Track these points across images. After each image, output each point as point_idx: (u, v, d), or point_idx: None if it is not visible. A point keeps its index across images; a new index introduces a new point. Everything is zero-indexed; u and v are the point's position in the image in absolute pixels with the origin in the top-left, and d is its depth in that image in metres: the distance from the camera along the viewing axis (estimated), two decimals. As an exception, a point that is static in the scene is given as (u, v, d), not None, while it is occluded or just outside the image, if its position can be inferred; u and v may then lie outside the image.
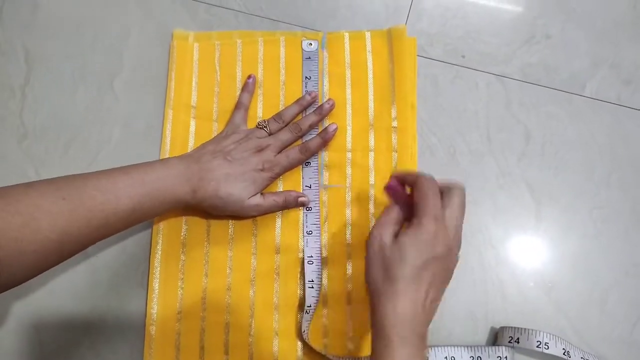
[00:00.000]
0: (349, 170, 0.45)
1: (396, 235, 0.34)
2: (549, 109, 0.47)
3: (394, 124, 0.45)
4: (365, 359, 0.41)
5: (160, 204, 0.37)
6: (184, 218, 0.43)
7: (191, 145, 0.45)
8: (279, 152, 0.43)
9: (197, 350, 0.41)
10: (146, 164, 0.38)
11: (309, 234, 0.43)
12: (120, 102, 0.47)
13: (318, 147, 0.44)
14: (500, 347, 0.40)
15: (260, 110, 0.46)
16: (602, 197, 0.45)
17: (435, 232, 0.33)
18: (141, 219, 0.38)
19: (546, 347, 0.39)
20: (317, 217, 0.43)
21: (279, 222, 0.44)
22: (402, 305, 0.31)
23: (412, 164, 0.45)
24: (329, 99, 0.45)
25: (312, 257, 0.42)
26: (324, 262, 0.42)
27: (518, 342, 0.40)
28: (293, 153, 0.43)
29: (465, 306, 0.43)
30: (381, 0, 0.50)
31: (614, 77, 0.48)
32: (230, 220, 0.44)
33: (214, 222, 0.44)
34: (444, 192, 0.35)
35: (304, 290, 0.42)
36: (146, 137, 0.46)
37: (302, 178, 0.44)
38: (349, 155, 0.45)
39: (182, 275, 0.42)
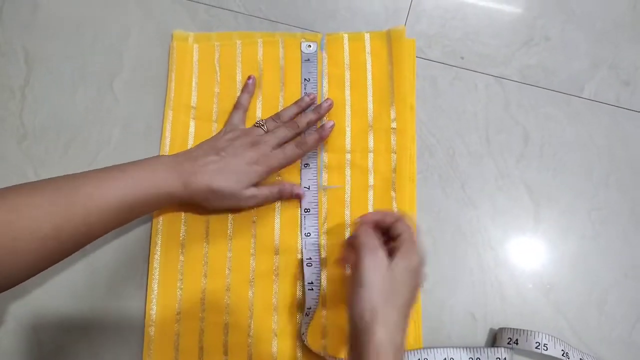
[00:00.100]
0: (348, 171, 0.45)
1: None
2: (548, 110, 0.47)
3: (393, 125, 0.45)
4: None
5: (153, 198, 0.37)
6: (183, 219, 0.44)
7: (191, 145, 0.45)
8: (276, 148, 0.42)
9: (196, 350, 0.41)
10: (140, 160, 0.39)
11: (307, 236, 0.43)
12: (120, 103, 0.47)
13: (315, 143, 0.43)
14: (499, 349, 0.40)
15: (259, 111, 0.46)
16: (600, 198, 0.45)
17: (420, 260, 0.35)
18: (136, 214, 0.38)
19: (545, 348, 0.39)
20: (316, 219, 0.43)
21: (277, 222, 0.44)
22: (398, 335, 0.32)
23: (411, 165, 0.45)
24: (327, 99, 0.45)
25: (310, 259, 0.42)
26: (322, 263, 0.42)
27: (517, 344, 0.40)
28: (289, 147, 0.42)
29: (465, 307, 0.43)
30: (380, 1, 0.50)
31: (612, 79, 0.48)
32: (230, 221, 0.44)
33: (213, 223, 0.44)
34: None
35: (303, 291, 0.42)
36: (146, 137, 0.46)
37: (301, 179, 0.44)
38: (348, 156, 0.45)
39: (181, 276, 0.42)
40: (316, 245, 0.43)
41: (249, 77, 0.46)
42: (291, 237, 0.43)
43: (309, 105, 0.45)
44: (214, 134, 0.45)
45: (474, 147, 0.46)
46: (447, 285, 0.43)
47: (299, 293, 0.42)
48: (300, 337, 0.41)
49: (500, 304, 0.43)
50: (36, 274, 0.34)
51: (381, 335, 0.31)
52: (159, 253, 0.43)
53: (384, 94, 0.46)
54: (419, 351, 0.40)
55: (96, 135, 0.46)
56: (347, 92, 0.47)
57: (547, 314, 0.43)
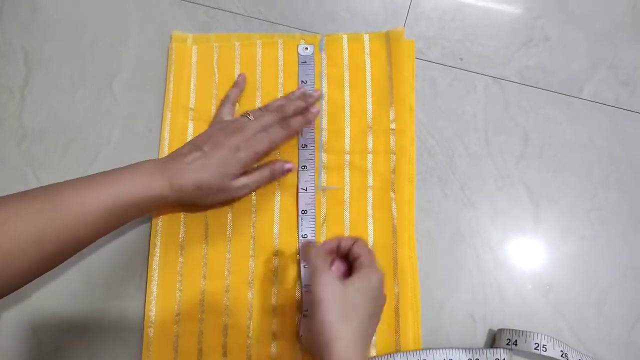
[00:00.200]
0: (347, 172, 0.45)
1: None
2: (547, 111, 0.47)
3: (392, 126, 0.45)
4: None
5: (141, 203, 0.37)
6: (182, 220, 0.44)
7: (189, 147, 0.45)
8: (260, 131, 0.40)
9: (195, 352, 0.41)
10: (124, 167, 0.38)
11: (304, 237, 0.43)
12: (119, 104, 0.47)
13: (299, 125, 0.42)
14: (498, 350, 0.40)
15: (258, 113, 0.46)
16: (600, 199, 0.45)
17: (379, 279, 0.36)
18: (124, 220, 0.37)
19: (544, 349, 0.39)
20: (313, 220, 0.43)
21: (276, 224, 0.44)
22: (357, 352, 0.32)
23: (411, 166, 0.45)
24: (316, 90, 0.45)
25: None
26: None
27: (516, 345, 0.40)
28: (273, 129, 0.41)
29: (464, 308, 0.43)
30: (380, 2, 0.50)
31: (612, 79, 0.48)
32: (229, 223, 0.44)
33: (212, 224, 0.44)
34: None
35: (302, 292, 0.42)
36: (145, 138, 0.46)
37: (298, 181, 0.44)
38: (347, 157, 0.45)
39: (180, 277, 0.42)
40: None
41: (240, 75, 0.46)
42: (290, 238, 0.43)
43: (298, 98, 0.44)
44: (212, 135, 0.45)
45: (474, 148, 0.46)
46: (446, 286, 0.43)
47: (298, 294, 0.43)
48: (299, 338, 0.41)
49: (499, 304, 0.43)
50: (23, 285, 0.34)
51: (339, 350, 0.32)
52: (158, 254, 0.43)
53: (383, 95, 0.46)
54: (418, 352, 0.40)
55: (95, 136, 0.46)
56: (347, 92, 0.47)
57: (546, 315, 0.43)
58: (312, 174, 0.44)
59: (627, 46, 0.49)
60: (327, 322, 0.33)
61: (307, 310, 0.41)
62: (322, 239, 0.43)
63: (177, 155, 0.40)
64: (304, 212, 0.44)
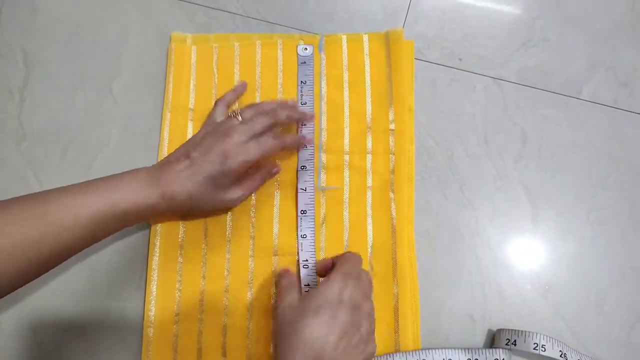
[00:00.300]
0: (346, 173, 0.45)
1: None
2: (546, 111, 0.47)
3: (392, 126, 0.46)
4: None
5: (131, 212, 0.36)
6: (181, 221, 0.44)
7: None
8: (250, 139, 0.39)
9: (194, 352, 0.41)
10: (112, 175, 0.37)
11: (303, 237, 0.43)
12: (119, 105, 0.47)
13: (292, 143, 0.42)
14: (497, 350, 0.40)
15: (258, 113, 0.46)
16: (599, 199, 0.45)
17: (344, 285, 0.35)
18: (115, 229, 0.37)
19: (543, 349, 0.39)
20: (312, 220, 0.43)
21: (276, 224, 0.44)
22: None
23: (410, 167, 0.45)
24: (312, 113, 0.45)
25: (307, 261, 0.42)
26: (321, 264, 0.43)
27: (515, 345, 0.40)
28: (265, 138, 0.39)
29: (463, 308, 0.43)
30: (379, 3, 0.50)
31: (611, 80, 0.48)
32: (228, 223, 0.44)
33: (212, 225, 0.44)
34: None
35: (301, 292, 0.42)
36: (145, 139, 0.46)
37: (298, 181, 0.44)
38: (346, 157, 0.45)
39: (179, 277, 0.43)
40: (313, 247, 0.43)
41: (242, 82, 0.46)
42: (289, 238, 0.43)
43: (291, 108, 0.43)
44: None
45: (473, 148, 0.46)
46: (445, 286, 0.43)
47: (297, 294, 0.43)
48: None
49: (498, 305, 0.43)
50: (9, 292, 0.34)
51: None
52: (157, 255, 0.43)
53: (382, 95, 0.46)
54: (417, 352, 0.40)
55: (95, 137, 0.46)
56: (346, 93, 0.47)
57: (545, 315, 0.43)
58: (312, 174, 0.44)
59: (626, 47, 0.49)
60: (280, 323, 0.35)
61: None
62: (322, 239, 0.43)
63: (167, 162, 0.39)
64: (304, 212, 0.44)
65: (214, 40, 0.48)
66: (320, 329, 0.33)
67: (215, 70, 0.47)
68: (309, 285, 0.41)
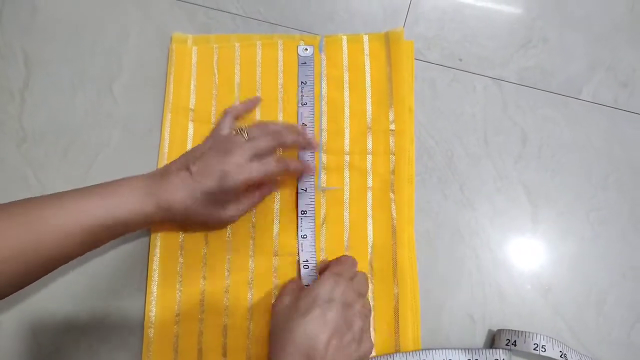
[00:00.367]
0: (347, 173, 0.45)
1: None
2: (546, 112, 0.47)
3: (392, 126, 0.46)
4: None
5: (125, 222, 0.36)
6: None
7: (189, 148, 0.45)
8: (253, 158, 0.38)
9: (195, 352, 0.41)
10: (108, 183, 0.37)
11: (303, 237, 0.43)
12: (119, 106, 0.47)
13: (296, 170, 0.42)
14: (497, 350, 0.40)
15: (258, 114, 0.46)
16: (599, 199, 0.45)
17: (334, 284, 0.36)
18: (107, 238, 0.37)
19: (543, 349, 0.39)
20: (312, 221, 0.43)
21: (276, 224, 0.44)
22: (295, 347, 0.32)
23: (410, 167, 0.45)
24: (316, 142, 0.44)
25: (307, 261, 0.42)
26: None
27: (515, 345, 0.40)
28: (268, 161, 0.39)
29: (463, 309, 0.43)
30: (379, 3, 0.50)
31: (610, 80, 0.48)
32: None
33: (212, 225, 0.44)
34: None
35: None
36: (145, 140, 0.46)
37: (298, 182, 0.44)
38: (347, 157, 0.45)
39: (180, 277, 0.43)
40: (313, 248, 0.43)
41: (256, 97, 0.46)
42: (289, 239, 0.43)
43: (298, 133, 0.42)
44: (212, 136, 0.46)
45: (472, 148, 0.46)
46: (445, 286, 0.43)
47: (297, 295, 0.43)
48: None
49: (498, 305, 0.43)
50: (7, 296, 0.34)
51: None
52: (158, 255, 0.43)
53: (382, 95, 0.46)
54: (417, 352, 0.40)
55: (96, 137, 0.46)
56: (346, 93, 0.47)
57: (545, 315, 0.43)
58: (312, 174, 0.44)
59: (626, 47, 0.49)
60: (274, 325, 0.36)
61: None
62: (322, 239, 0.43)
63: (167, 172, 0.38)
64: (304, 212, 0.44)
65: (214, 41, 0.48)
66: (311, 327, 0.33)
67: (215, 71, 0.47)
68: (309, 285, 0.41)
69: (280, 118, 0.46)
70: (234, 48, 0.48)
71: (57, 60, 0.48)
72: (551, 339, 0.40)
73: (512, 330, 0.41)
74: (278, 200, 0.44)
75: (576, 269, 0.44)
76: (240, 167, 0.37)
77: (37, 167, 0.45)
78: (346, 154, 0.45)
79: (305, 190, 0.44)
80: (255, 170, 0.38)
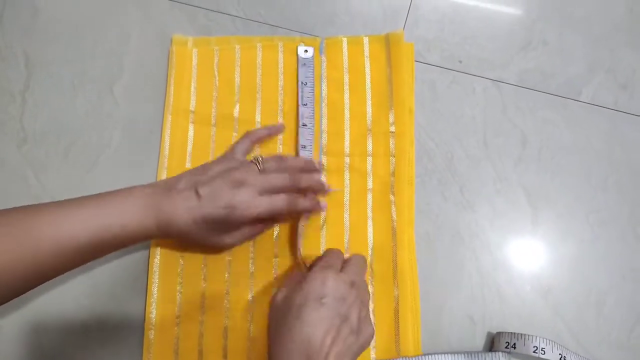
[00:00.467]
0: (347, 175, 0.45)
1: None
2: (546, 114, 0.47)
3: (392, 128, 0.46)
4: None
5: (121, 236, 0.35)
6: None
7: (189, 150, 0.46)
8: (263, 194, 0.38)
9: (195, 354, 0.41)
10: (108, 193, 0.36)
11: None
12: (120, 107, 0.47)
13: (305, 209, 0.41)
14: (496, 353, 0.40)
15: (258, 116, 0.46)
16: (599, 201, 0.46)
17: (323, 279, 0.34)
18: (102, 251, 0.36)
19: (542, 352, 0.39)
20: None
21: (277, 225, 0.44)
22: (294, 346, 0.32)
23: (410, 169, 0.45)
24: (327, 186, 0.44)
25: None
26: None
27: (515, 348, 0.40)
28: (279, 199, 0.38)
29: (463, 310, 0.43)
30: (379, 5, 0.50)
31: (610, 82, 0.48)
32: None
33: (213, 227, 0.44)
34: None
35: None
36: (146, 141, 0.46)
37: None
38: (347, 159, 0.45)
39: (180, 279, 0.43)
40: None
41: (280, 123, 0.46)
42: (290, 240, 0.43)
43: (315, 170, 0.43)
44: (212, 138, 0.46)
45: (472, 150, 0.46)
46: (445, 288, 0.43)
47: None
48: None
49: (498, 306, 0.43)
50: (7, 302, 0.34)
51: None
52: (158, 256, 0.43)
53: (382, 97, 0.46)
54: (418, 358, 0.40)
55: (96, 139, 0.46)
56: (346, 95, 0.47)
57: (545, 317, 0.43)
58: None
59: (625, 49, 0.49)
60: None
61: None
62: (322, 241, 0.44)
63: (171, 189, 0.37)
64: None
65: (214, 43, 0.48)
66: (307, 327, 0.32)
67: (216, 73, 0.47)
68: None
69: (280, 120, 0.46)
70: (234, 50, 0.48)
71: (57, 61, 0.48)
72: (550, 342, 0.40)
73: (511, 333, 0.41)
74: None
75: (576, 271, 0.44)
76: (249, 203, 0.37)
77: (37, 168, 0.45)
78: (346, 156, 0.45)
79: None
80: (264, 207, 0.38)
